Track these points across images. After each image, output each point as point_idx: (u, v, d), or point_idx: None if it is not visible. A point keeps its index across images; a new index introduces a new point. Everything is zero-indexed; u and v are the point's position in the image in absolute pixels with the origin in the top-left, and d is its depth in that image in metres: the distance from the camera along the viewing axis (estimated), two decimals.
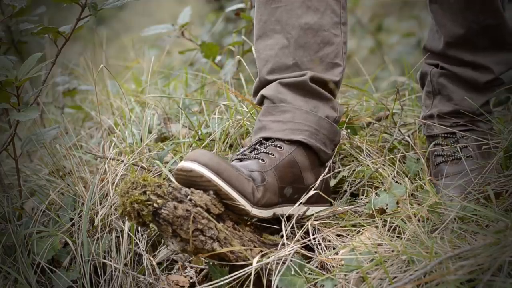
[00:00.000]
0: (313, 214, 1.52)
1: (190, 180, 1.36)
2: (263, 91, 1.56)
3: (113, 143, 1.83)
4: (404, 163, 1.72)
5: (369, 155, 1.72)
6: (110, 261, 1.57)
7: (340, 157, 1.76)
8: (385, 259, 1.35)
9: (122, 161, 1.72)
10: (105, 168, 1.70)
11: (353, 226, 1.51)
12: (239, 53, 2.24)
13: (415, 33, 4.05)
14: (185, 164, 1.35)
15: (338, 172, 1.70)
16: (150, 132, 1.89)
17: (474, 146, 1.64)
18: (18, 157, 1.67)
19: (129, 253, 1.59)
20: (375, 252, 1.37)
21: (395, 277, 1.30)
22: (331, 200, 1.57)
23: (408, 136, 1.81)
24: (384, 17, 4.61)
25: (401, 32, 4.23)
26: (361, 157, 1.70)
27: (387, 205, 1.52)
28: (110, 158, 1.73)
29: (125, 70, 2.67)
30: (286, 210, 1.48)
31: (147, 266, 1.57)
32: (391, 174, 1.64)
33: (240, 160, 1.49)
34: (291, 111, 1.52)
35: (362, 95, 2.02)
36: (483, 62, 1.66)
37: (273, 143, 1.51)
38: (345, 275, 1.35)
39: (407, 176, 1.66)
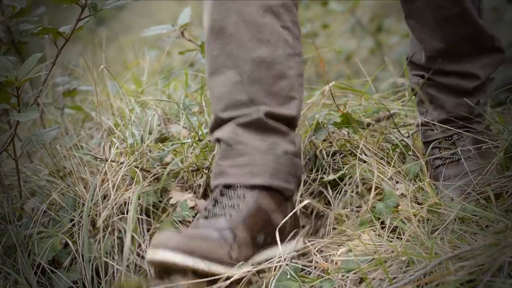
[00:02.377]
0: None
1: (165, 268, 1.32)
2: (218, 134, 1.49)
3: (114, 144, 1.83)
4: (403, 163, 1.72)
5: (368, 154, 1.72)
6: (113, 262, 1.57)
7: (341, 156, 1.76)
8: (385, 259, 1.35)
9: (122, 162, 1.72)
10: (106, 169, 1.70)
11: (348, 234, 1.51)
12: None
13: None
14: (155, 256, 1.31)
15: (338, 170, 1.70)
16: (150, 132, 1.89)
17: (472, 146, 1.65)
18: (18, 158, 1.67)
19: (132, 254, 1.59)
20: (374, 252, 1.37)
21: (395, 278, 1.30)
22: (302, 227, 1.55)
23: (408, 137, 1.81)
24: (384, 17, 4.61)
25: (401, 33, 4.23)
26: (361, 156, 1.71)
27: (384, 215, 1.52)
28: (111, 160, 1.73)
29: (125, 70, 2.67)
30: (263, 256, 1.43)
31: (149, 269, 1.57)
32: (389, 175, 1.65)
33: (207, 217, 1.43)
34: (249, 153, 1.46)
35: (362, 95, 2.02)
36: (467, 69, 1.65)
37: (235, 192, 1.44)
38: (343, 275, 1.35)
39: (406, 177, 1.66)
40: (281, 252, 1.42)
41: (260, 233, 1.43)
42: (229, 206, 1.43)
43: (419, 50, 1.69)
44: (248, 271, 1.37)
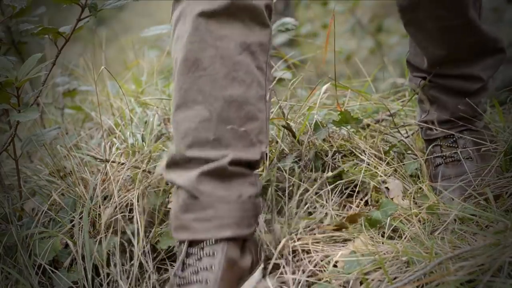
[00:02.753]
0: None
1: None
2: (180, 181, 1.40)
3: (115, 145, 1.83)
4: (403, 163, 1.72)
5: (368, 154, 1.72)
6: (114, 262, 1.57)
7: (340, 155, 1.76)
8: (385, 260, 1.35)
9: (123, 163, 1.73)
10: (107, 169, 1.71)
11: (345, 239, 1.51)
12: None
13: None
14: None
15: (336, 168, 1.70)
16: (151, 133, 1.89)
17: (473, 148, 1.65)
18: (18, 158, 1.67)
19: (133, 255, 1.59)
20: (374, 253, 1.37)
21: (395, 278, 1.30)
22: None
23: (407, 137, 1.81)
24: (384, 17, 4.61)
25: (401, 33, 4.23)
26: (361, 157, 1.71)
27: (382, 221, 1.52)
28: (111, 161, 1.73)
29: (125, 70, 2.67)
30: None
31: (149, 275, 1.57)
32: (387, 174, 1.65)
33: (180, 285, 1.37)
34: (214, 205, 1.38)
35: (361, 96, 2.02)
36: (470, 72, 1.65)
37: (204, 250, 1.37)
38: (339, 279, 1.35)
39: (405, 178, 1.66)
40: (251, 283, 1.40)
41: (235, 283, 1.39)
42: (201, 269, 1.36)
43: (420, 54, 1.69)
44: None
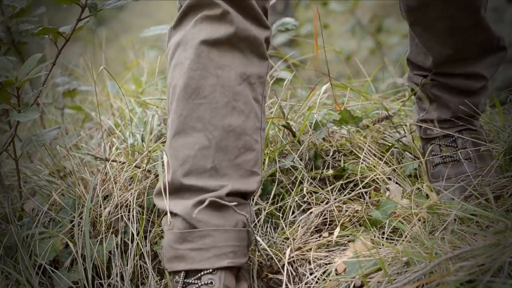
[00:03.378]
0: None
1: None
2: (176, 209, 1.39)
3: (114, 144, 1.83)
4: (400, 162, 1.72)
5: (367, 153, 1.72)
6: (114, 262, 1.57)
7: (340, 154, 1.76)
8: (385, 260, 1.35)
9: (124, 162, 1.73)
10: (107, 169, 1.71)
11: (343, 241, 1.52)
12: None
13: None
14: None
15: (336, 167, 1.70)
16: (150, 133, 1.89)
17: (473, 148, 1.65)
18: (18, 158, 1.67)
19: (135, 256, 1.59)
20: (374, 253, 1.37)
21: (395, 279, 1.30)
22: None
23: (404, 136, 1.81)
24: (384, 17, 4.62)
25: (401, 33, 4.24)
26: (362, 156, 1.71)
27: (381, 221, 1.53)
28: (112, 161, 1.73)
29: (125, 71, 2.67)
30: None
31: (151, 272, 1.57)
32: (387, 175, 1.65)
33: None
34: (211, 234, 1.37)
35: (361, 96, 2.02)
36: (474, 71, 1.65)
37: (201, 280, 1.37)
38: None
39: (404, 178, 1.66)
40: None
41: None
42: None
43: (423, 54, 1.68)
44: None
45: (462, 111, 1.66)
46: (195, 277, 1.37)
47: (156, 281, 1.57)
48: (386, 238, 1.48)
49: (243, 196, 1.43)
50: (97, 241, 1.58)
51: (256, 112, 1.43)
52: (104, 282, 1.57)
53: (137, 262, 1.59)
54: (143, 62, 2.64)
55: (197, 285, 1.37)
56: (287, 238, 1.58)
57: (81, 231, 1.58)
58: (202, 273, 1.36)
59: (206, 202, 1.36)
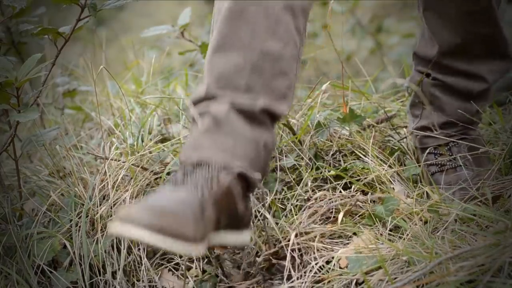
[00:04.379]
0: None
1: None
2: (212, 107, 1.44)
3: (114, 144, 1.83)
4: (402, 164, 1.72)
5: (369, 154, 1.72)
6: (111, 262, 1.57)
7: (340, 154, 1.76)
8: (386, 259, 1.35)
9: (124, 162, 1.73)
10: (105, 169, 1.71)
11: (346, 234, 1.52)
12: None
13: (415, 34, 4.05)
14: (121, 230, 1.26)
15: (337, 167, 1.70)
16: (150, 133, 1.89)
17: (469, 153, 1.64)
18: (18, 158, 1.67)
19: (129, 254, 1.59)
20: (375, 251, 1.37)
21: (395, 278, 1.30)
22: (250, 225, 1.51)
23: (404, 137, 1.81)
24: (384, 18, 4.61)
25: (401, 33, 4.23)
26: (363, 158, 1.71)
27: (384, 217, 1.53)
28: (111, 159, 1.73)
29: (125, 71, 2.67)
30: (218, 238, 1.41)
31: (146, 268, 1.57)
32: (390, 177, 1.65)
33: (176, 187, 1.38)
34: (234, 138, 1.43)
35: (362, 96, 2.02)
36: (477, 71, 1.65)
37: (210, 170, 1.40)
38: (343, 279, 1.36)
39: (406, 181, 1.66)
40: (235, 239, 1.43)
41: (224, 216, 1.40)
42: (202, 181, 1.38)
43: (430, 45, 1.68)
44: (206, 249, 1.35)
45: (458, 117, 1.65)
46: (204, 167, 1.39)
47: (150, 278, 1.57)
48: (388, 235, 1.48)
49: (272, 117, 1.47)
50: (93, 240, 1.58)
51: (295, 41, 1.47)
52: (100, 280, 1.57)
53: (133, 258, 1.59)
54: (143, 62, 2.64)
55: (204, 172, 1.39)
56: (293, 223, 1.58)
57: (79, 231, 1.58)
58: (212, 167, 1.39)
59: (238, 107, 1.43)
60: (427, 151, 1.67)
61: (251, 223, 1.50)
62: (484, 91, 1.67)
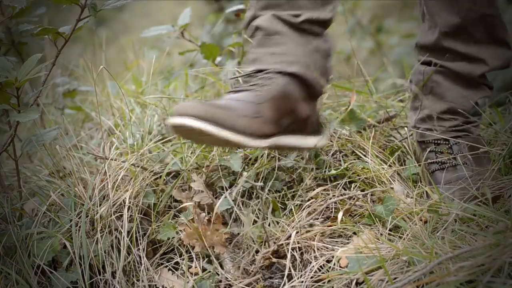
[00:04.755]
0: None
1: (184, 132, 1.41)
2: (257, 22, 1.57)
3: (114, 144, 1.83)
4: (402, 164, 1.72)
5: (369, 154, 1.72)
6: (111, 262, 1.57)
7: (341, 154, 1.76)
8: (386, 259, 1.35)
9: (124, 161, 1.73)
10: (105, 169, 1.70)
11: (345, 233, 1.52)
12: (239, 54, 2.24)
13: (415, 34, 4.05)
14: (175, 120, 1.38)
15: (337, 167, 1.70)
16: (150, 133, 1.89)
17: (469, 153, 1.64)
18: (18, 158, 1.67)
19: (129, 254, 1.59)
20: (375, 250, 1.37)
21: (395, 278, 1.30)
22: (326, 133, 1.62)
23: (405, 138, 1.81)
24: (384, 18, 4.61)
25: (401, 33, 4.23)
26: (363, 157, 1.71)
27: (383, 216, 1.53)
28: (111, 159, 1.73)
29: (125, 71, 2.67)
30: (283, 140, 1.51)
31: (145, 268, 1.57)
32: (390, 177, 1.65)
33: (236, 92, 1.50)
34: (285, 43, 1.54)
35: (362, 96, 2.02)
36: (477, 54, 1.65)
37: (267, 75, 1.51)
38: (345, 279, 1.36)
39: (406, 180, 1.66)
40: (297, 142, 1.54)
41: (285, 118, 1.50)
42: (259, 84, 1.50)
43: (430, 33, 1.68)
44: (264, 147, 1.46)
45: (459, 104, 1.66)
46: (262, 73, 1.52)
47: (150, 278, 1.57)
48: (388, 235, 1.48)
49: (320, 24, 1.58)
50: (93, 240, 1.58)
51: None
52: (100, 280, 1.57)
53: (132, 258, 1.59)
54: (143, 62, 2.64)
55: (261, 78, 1.51)
56: (293, 221, 1.58)
57: (79, 231, 1.58)
58: (270, 73, 1.51)
59: (283, 17, 1.55)
60: (428, 149, 1.67)
61: (320, 133, 1.59)
62: (484, 75, 1.67)
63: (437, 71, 1.68)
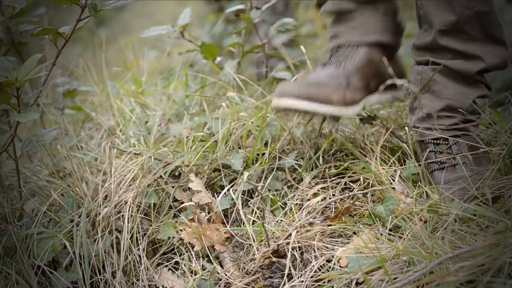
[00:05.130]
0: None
1: (287, 111, 1.62)
2: (328, 7, 1.78)
3: (115, 144, 1.83)
4: (402, 163, 1.72)
5: (369, 154, 1.72)
6: (111, 262, 1.57)
7: (341, 154, 1.76)
8: (386, 259, 1.35)
9: (125, 162, 1.73)
10: (106, 169, 1.71)
11: (345, 233, 1.52)
12: (239, 54, 2.24)
13: (415, 34, 4.04)
14: (279, 103, 1.57)
15: (338, 167, 1.71)
16: (150, 133, 1.89)
17: (469, 152, 1.64)
18: (18, 158, 1.67)
19: (129, 254, 1.59)
20: (375, 250, 1.37)
21: (395, 278, 1.30)
22: (406, 79, 1.79)
23: (406, 141, 1.81)
24: None
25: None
26: (364, 157, 1.71)
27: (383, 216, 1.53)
28: (111, 159, 1.73)
29: (125, 71, 2.67)
30: (373, 98, 1.74)
31: (145, 267, 1.57)
32: (391, 178, 1.65)
33: (324, 66, 1.71)
34: (360, 16, 1.74)
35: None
36: (473, 51, 1.66)
37: (349, 48, 1.72)
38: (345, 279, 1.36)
39: (406, 180, 1.66)
40: (390, 95, 1.81)
41: (372, 81, 1.70)
42: (344, 57, 1.70)
43: (427, 34, 1.69)
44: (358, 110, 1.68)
45: (457, 101, 1.66)
46: (344, 47, 1.72)
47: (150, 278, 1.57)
48: (387, 235, 1.48)
49: None
50: (94, 240, 1.59)
51: None
52: (100, 279, 1.57)
53: (132, 258, 1.59)
54: (143, 62, 2.64)
55: (344, 51, 1.72)
56: (293, 221, 1.58)
57: (80, 231, 1.58)
58: (351, 46, 1.71)
59: None
60: (428, 149, 1.67)
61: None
62: (481, 72, 1.68)
63: (434, 69, 1.68)
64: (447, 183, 1.61)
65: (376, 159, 1.69)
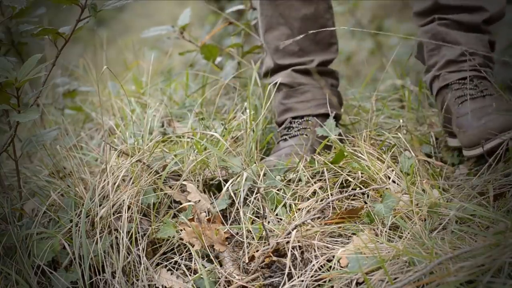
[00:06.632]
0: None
1: None
2: (281, 80, 1.86)
3: (114, 144, 1.83)
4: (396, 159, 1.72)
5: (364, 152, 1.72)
6: (111, 262, 1.57)
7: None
8: (386, 259, 1.35)
9: (124, 162, 1.72)
10: (106, 169, 1.70)
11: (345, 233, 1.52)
12: (239, 54, 2.24)
13: (415, 35, 4.04)
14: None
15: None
16: (151, 133, 1.89)
17: (492, 89, 1.73)
18: (18, 158, 1.67)
19: (129, 254, 1.59)
20: (374, 251, 1.37)
21: (395, 278, 1.30)
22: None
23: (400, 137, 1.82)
24: (384, 18, 4.61)
25: (401, 34, 4.23)
26: (360, 155, 1.71)
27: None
28: (111, 160, 1.73)
29: (125, 71, 2.67)
30: None
31: (145, 267, 1.57)
32: (386, 174, 1.64)
33: (286, 140, 1.81)
34: (310, 90, 1.84)
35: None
36: (473, 3, 1.76)
37: (304, 120, 1.82)
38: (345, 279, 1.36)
39: (401, 177, 1.66)
40: None
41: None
42: (303, 128, 1.81)
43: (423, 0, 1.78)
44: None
45: (473, 45, 1.74)
46: (298, 121, 1.83)
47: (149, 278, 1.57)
48: (387, 235, 1.48)
49: (329, 63, 1.91)
50: (93, 241, 1.58)
51: None
52: (100, 279, 1.57)
53: (132, 258, 1.59)
54: (143, 62, 2.64)
55: (300, 122, 1.83)
56: (293, 220, 1.58)
57: (79, 231, 1.58)
58: (304, 118, 1.84)
59: (301, 70, 1.86)
60: (454, 88, 1.75)
61: None
62: (487, 20, 1.76)
63: (442, 24, 1.78)
64: (474, 110, 1.68)
65: (364, 153, 1.70)
